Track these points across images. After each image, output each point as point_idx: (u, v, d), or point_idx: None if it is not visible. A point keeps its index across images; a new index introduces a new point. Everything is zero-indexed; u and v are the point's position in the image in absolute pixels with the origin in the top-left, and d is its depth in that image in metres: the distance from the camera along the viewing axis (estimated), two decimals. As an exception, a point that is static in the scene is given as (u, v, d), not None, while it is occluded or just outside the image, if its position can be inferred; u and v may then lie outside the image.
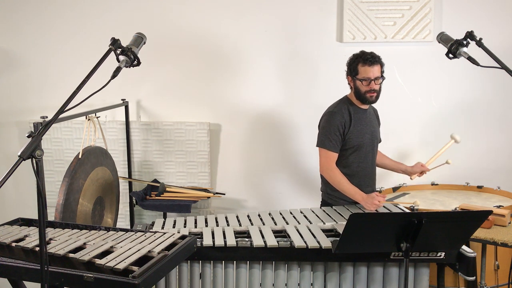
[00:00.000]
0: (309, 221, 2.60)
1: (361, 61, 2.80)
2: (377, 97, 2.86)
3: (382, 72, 2.84)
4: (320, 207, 2.99)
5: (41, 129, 1.61)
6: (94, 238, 2.08)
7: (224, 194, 3.61)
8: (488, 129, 3.69)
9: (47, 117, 2.64)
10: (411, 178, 3.15)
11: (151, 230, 2.47)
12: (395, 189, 3.53)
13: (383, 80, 2.85)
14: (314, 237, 2.35)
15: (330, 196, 2.98)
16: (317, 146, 2.93)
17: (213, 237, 2.35)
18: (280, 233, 2.44)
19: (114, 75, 1.89)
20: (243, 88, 3.68)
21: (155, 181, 3.64)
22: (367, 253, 2.24)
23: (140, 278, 1.69)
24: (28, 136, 1.56)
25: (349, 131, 2.86)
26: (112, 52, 1.95)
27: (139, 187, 3.65)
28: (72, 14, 3.63)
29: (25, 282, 2.22)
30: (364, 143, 2.91)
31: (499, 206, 2.90)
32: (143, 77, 3.60)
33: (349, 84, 2.92)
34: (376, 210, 2.74)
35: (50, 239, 2.08)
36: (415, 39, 3.57)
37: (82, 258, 1.85)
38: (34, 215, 2.15)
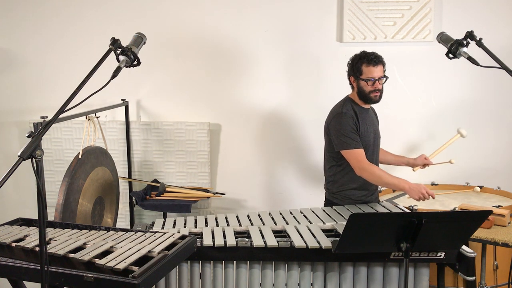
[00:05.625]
0: (309, 221, 2.60)
1: (365, 61, 2.81)
2: (380, 97, 2.87)
3: (384, 71, 2.86)
4: (324, 206, 2.98)
5: (41, 129, 1.61)
6: (94, 238, 2.08)
7: (224, 194, 3.61)
8: (488, 129, 3.69)
9: (47, 117, 2.64)
10: (413, 170, 3.17)
11: (151, 230, 2.47)
12: (395, 189, 3.52)
13: (386, 79, 2.86)
14: (314, 237, 2.35)
15: (335, 196, 2.96)
16: (338, 150, 2.84)
17: (213, 237, 2.35)
18: (280, 233, 2.44)
19: (114, 75, 1.89)
20: (243, 88, 3.68)
21: (155, 181, 3.64)
22: (367, 253, 2.24)
23: (140, 278, 1.69)
24: (28, 136, 1.56)
25: (358, 131, 2.85)
26: (112, 52, 1.96)
27: (139, 187, 3.65)
28: (72, 14, 3.63)
29: (25, 282, 2.22)
30: (369, 143, 2.90)
31: (498, 206, 2.90)
32: (143, 77, 3.60)
33: (351, 84, 2.92)
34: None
35: (50, 239, 2.08)
36: (415, 39, 3.57)
37: (82, 258, 1.85)
38: (34, 215, 2.15)
